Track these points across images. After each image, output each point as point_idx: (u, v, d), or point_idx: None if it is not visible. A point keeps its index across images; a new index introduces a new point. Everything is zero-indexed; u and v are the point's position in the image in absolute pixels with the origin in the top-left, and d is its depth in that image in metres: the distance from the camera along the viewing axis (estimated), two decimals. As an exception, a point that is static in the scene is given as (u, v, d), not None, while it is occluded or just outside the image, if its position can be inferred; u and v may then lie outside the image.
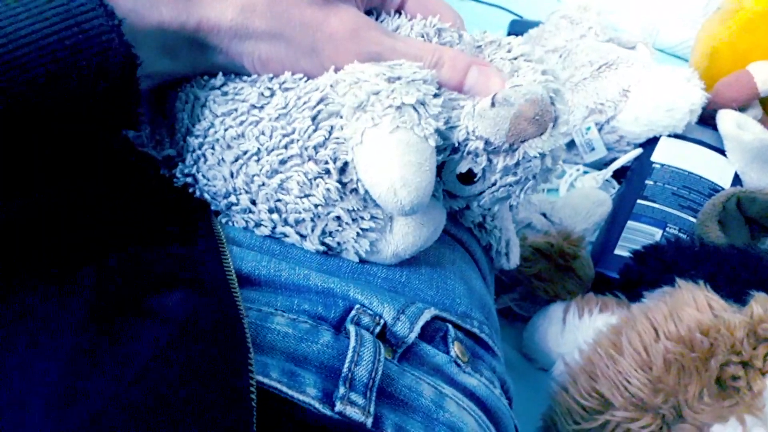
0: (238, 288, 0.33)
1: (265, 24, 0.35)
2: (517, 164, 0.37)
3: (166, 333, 0.28)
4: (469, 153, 0.37)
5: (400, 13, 0.40)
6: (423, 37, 0.39)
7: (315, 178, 0.36)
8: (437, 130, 0.34)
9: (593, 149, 0.78)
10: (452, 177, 0.38)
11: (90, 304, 0.29)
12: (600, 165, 0.80)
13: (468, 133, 0.36)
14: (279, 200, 0.37)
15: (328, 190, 0.36)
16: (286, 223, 0.38)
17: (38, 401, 0.25)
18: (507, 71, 0.37)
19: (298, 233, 0.38)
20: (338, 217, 0.37)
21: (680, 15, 1.02)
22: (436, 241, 0.42)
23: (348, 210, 0.36)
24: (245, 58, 0.37)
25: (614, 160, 0.78)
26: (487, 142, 0.36)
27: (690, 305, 0.45)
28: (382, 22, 0.40)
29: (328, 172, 0.35)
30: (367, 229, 0.37)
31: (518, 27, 1.03)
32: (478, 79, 0.37)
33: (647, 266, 0.55)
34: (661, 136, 0.77)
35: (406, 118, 0.33)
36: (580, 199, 0.66)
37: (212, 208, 0.39)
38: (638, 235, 0.67)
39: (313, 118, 0.35)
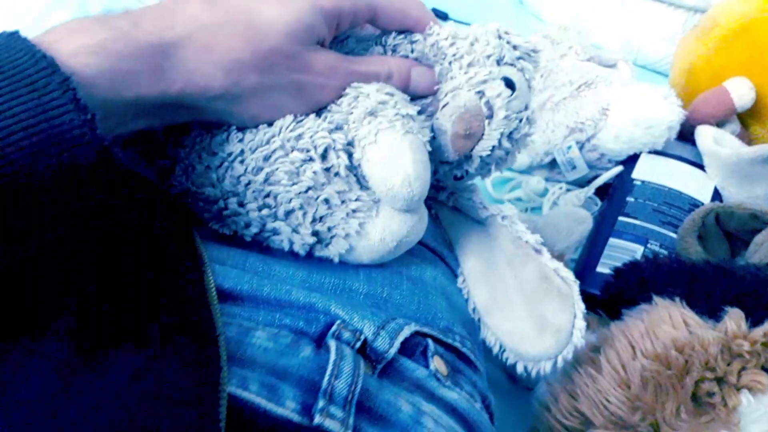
0: (217, 306, 0.34)
1: (256, 80, 0.36)
2: (482, 160, 0.43)
3: (141, 360, 0.29)
4: (442, 171, 0.44)
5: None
6: (383, 53, 0.44)
7: (301, 165, 0.38)
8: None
9: (575, 168, 0.79)
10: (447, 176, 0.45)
11: (70, 339, 0.29)
12: (583, 183, 0.81)
13: (432, 162, 0.41)
14: (267, 195, 0.39)
15: (315, 173, 0.38)
16: (276, 217, 0.39)
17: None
18: (445, 74, 0.42)
19: (289, 226, 0.39)
20: (327, 200, 0.39)
21: (661, 32, 1.04)
22: (417, 257, 0.44)
23: (336, 191, 0.39)
24: (233, 115, 0.38)
25: (596, 177, 0.79)
26: (447, 162, 0.43)
27: (666, 322, 0.45)
28: (346, 41, 0.44)
29: (311, 158, 0.38)
30: (355, 210, 0.40)
31: (501, 47, 1.04)
32: (419, 81, 0.42)
33: (627, 283, 0.56)
34: (641, 153, 0.78)
35: (412, 125, 0.39)
36: (561, 217, 0.67)
37: (205, 216, 0.40)
38: (620, 252, 0.68)
39: (293, 116, 0.39)
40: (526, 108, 0.43)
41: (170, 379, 0.29)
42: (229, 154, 0.39)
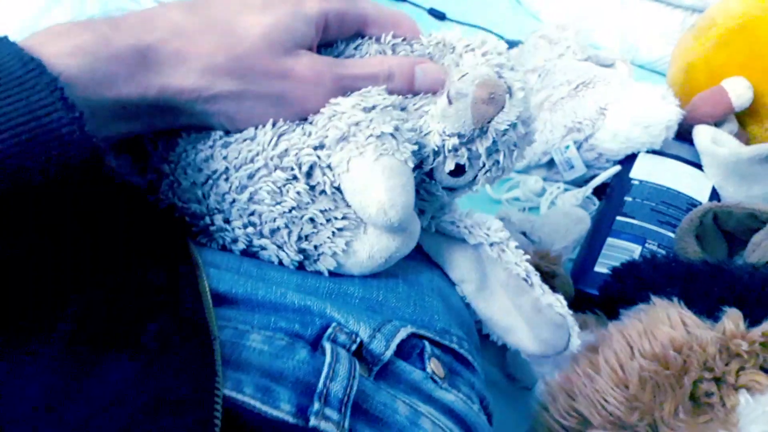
0: (212, 310, 0.34)
1: (230, 84, 0.36)
2: (494, 142, 0.40)
3: (136, 364, 0.29)
4: (449, 151, 0.40)
5: (361, 36, 0.42)
6: (381, 53, 0.42)
7: (284, 185, 0.38)
8: (413, 151, 0.38)
9: (573, 167, 0.79)
10: (444, 175, 0.41)
11: (67, 344, 0.29)
12: (580, 182, 0.81)
13: (441, 135, 0.39)
14: (252, 213, 0.38)
15: (298, 193, 0.38)
16: (261, 235, 0.39)
17: None
18: (453, 64, 0.41)
19: (275, 243, 0.39)
20: (312, 219, 0.38)
21: (658, 31, 1.04)
22: (414, 259, 0.43)
23: (321, 210, 0.38)
24: (212, 118, 0.37)
25: (594, 177, 0.79)
26: (459, 136, 0.39)
27: (664, 322, 0.45)
28: (342, 47, 0.42)
29: (295, 177, 0.38)
30: (341, 229, 0.39)
31: (498, 47, 1.04)
32: (425, 78, 0.40)
33: (624, 283, 0.56)
34: (639, 152, 0.78)
35: (387, 145, 0.37)
36: (559, 217, 0.67)
37: (193, 230, 0.40)
38: (618, 251, 0.68)
39: (276, 133, 0.38)
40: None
41: (165, 382, 0.29)
42: (214, 172, 0.38)
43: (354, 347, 0.36)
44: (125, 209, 0.40)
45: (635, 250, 0.67)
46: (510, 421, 0.53)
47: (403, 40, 0.42)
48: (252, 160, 0.38)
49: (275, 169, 0.38)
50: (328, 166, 0.38)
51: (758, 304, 0.47)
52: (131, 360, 0.29)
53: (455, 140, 0.39)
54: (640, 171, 0.76)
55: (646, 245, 0.68)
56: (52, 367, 0.28)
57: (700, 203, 0.71)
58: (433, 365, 0.39)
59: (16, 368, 0.28)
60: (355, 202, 0.37)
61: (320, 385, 0.32)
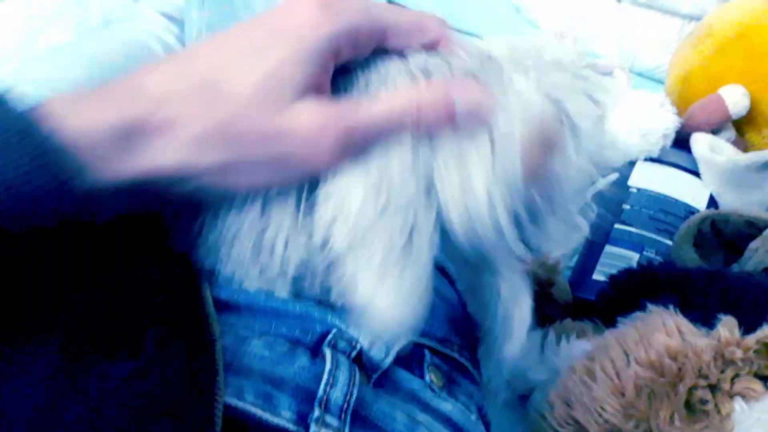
0: (213, 312, 0.34)
1: (220, 154, 0.31)
2: (554, 194, 0.32)
3: (134, 367, 0.29)
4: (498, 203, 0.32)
5: (385, 51, 0.35)
6: (410, 76, 0.34)
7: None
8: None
9: (571, 175, 0.79)
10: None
11: (65, 346, 0.29)
12: (579, 190, 0.81)
13: (485, 188, 0.32)
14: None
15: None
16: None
17: None
18: (501, 88, 0.33)
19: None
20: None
21: (657, 39, 1.04)
22: None
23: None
24: (206, 191, 0.33)
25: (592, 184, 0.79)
26: (509, 188, 0.32)
27: (660, 330, 0.45)
28: (361, 78, 0.34)
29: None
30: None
31: (498, 55, 1.05)
32: (468, 112, 0.33)
33: (622, 291, 0.56)
34: (637, 160, 0.78)
35: (394, 262, 0.31)
36: (557, 225, 0.67)
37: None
38: (616, 259, 0.68)
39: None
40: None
41: (164, 386, 0.29)
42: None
43: (354, 354, 0.36)
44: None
45: (633, 258, 0.68)
46: (506, 429, 0.53)
47: (433, 49, 0.34)
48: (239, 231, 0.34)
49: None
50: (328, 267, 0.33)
51: (753, 311, 0.47)
52: (130, 360, 0.29)
53: (503, 191, 0.31)
54: (638, 179, 0.76)
55: (644, 253, 0.68)
56: (52, 367, 0.28)
57: (698, 211, 0.72)
58: (431, 374, 0.40)
59: (16, 368, 0.28)
60: (362, 315, 0.33)
61: (320, 391, 0.33)
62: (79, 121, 0.29)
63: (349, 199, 0.32)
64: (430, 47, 0.35)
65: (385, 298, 0.32)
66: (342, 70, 0.34)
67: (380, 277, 0.31)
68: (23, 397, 0.27)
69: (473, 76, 0.33)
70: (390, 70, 0.34)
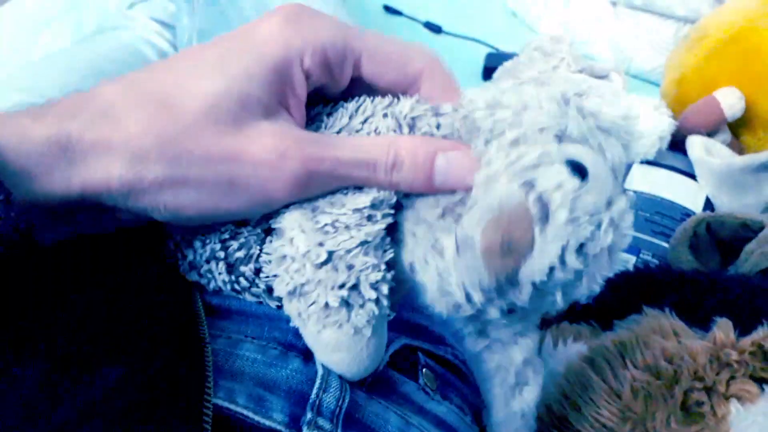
0: (203, 314, 0.34)
1: (161, 171, 0.29)
2: (536, 288, 0.29)
3: (122, 371, 0.29)
4: (482, 303, 0.30)
5: (368, 91, 0.33)
6: (395, 131, 0.31)
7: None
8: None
9: (567, 178, 0.80)
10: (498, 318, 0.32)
11: (52, 351, 0.29)
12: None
13: (459, 287, 0.29)
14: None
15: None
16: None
17: None
18: (479, 159, 0.30)
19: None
20: None
21: (652, 42, 1.05)
22: None
23: None
24: (154, 213, 0.31)
25: (589, 187, 0.80)
26: (482, 291, 0.29)
27: (656, 332, 0.45)
28: (345, 118, 0.32)
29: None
30: None
31: (494, 60, 1.05)
32: (448, 174, 0.30)
33: (618, 294, 0.56)
34: (633, 163, 0.78)
35: (333, 318, 0.30)
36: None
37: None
38: (612, 262, 0.68)
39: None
40: (609, 206, 0.29)
41: (153, 389, 0.29)
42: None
43: None
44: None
45: (629, 261, 0.68)
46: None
47: (415, 83, 0.32)
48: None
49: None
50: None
51: (749, 313, 0.47)
52: (116, 365, 0.29)
53: (480, 295, 0.29)
54: (634, 181, 0.76)
55: (641, 255, 0.68)
56: (35, 374, 0.28)
57: (694, 213, 0.72)
58: (425, 376, 0.40)
59: (15, 368, 0.28)
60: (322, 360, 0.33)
61: (313, 395, 0.33)
62: (15, 135, 0.28)
63: (294, 234, 0.30)
64: (412, 80, 0.32)
65: (325, 345, 0.31)
66: (326, 102, 0.33)
67: (321, 326, 0.31)
68: (21, 396, 0.27)
69: (458, 136, 0.31)
70: (376, 110, 0.31)
